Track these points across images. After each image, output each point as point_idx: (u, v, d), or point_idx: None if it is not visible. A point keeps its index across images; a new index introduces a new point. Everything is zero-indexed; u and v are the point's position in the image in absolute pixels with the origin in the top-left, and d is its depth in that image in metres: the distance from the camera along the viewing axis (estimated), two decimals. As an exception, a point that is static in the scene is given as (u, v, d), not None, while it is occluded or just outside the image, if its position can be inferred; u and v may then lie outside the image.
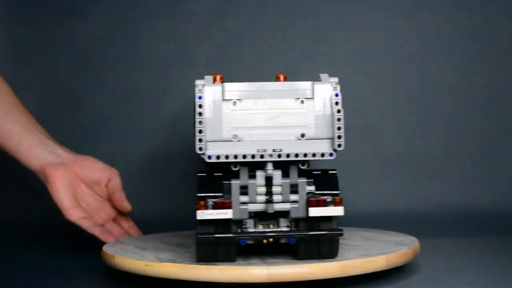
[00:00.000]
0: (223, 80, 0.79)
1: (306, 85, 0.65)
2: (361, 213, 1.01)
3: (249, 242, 0.64)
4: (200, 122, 0.64)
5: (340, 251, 0.67)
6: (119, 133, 1.10)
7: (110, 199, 0.90)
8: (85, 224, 0.84)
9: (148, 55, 1.12)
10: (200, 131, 0.63)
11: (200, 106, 0.64)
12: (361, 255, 0.65)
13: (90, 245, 0.83)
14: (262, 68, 1.08)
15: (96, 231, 0.83)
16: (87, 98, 1.13)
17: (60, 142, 0.91)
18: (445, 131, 1.07)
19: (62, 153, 0.88)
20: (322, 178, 0.66)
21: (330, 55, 1.08)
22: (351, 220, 0.97)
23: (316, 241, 0.63)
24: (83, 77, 1.13)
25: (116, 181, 0.89)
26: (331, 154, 0.64)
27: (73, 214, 0.84)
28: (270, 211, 0.64)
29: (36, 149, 0.87)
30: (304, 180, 0.65)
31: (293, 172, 0.65)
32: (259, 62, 1.09)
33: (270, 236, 0.64)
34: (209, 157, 0.64)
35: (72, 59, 1.14)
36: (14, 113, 0.89)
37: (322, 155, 0.64)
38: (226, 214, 0.62)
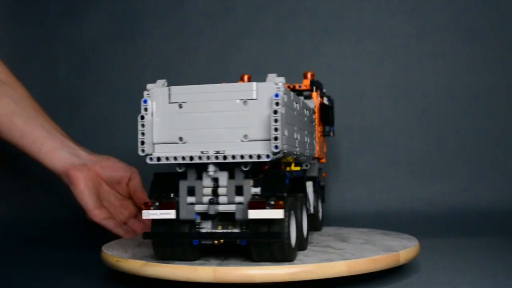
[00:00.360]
0: (250, 80, 0.79)
1: (250, 86, 0.64)
2: (361, 213, 1.01)
3: (204, 242, 0.65)
4: (143, 125, 0.64)
5: (318, 254, 0.67)
6: (119, 133, 1.10)
7: (132, 197, 0.91)
8: (110, 225, 0.85)
9: (148, 55, 1.12)
10: (143, 134, 0.64)
11: (146, 109, 0.64)
12: (326, 260, 0.63)
13: (91, 243, 0.83)
14: (263, 68, 1.08)
15: (120, 232, 0.85)
16: (87, 98, 1.13)
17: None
18: (445, 131, 1.07)
19: (83, 154, 0.89)
20: (271, 179, 0.64)
21: (330, 55, 1.08)
22: (352, 220, 0.98)
23: (266, 244, 0.63)
24: (83, 77, 1.13)
25: (137, 180, 0.90)
26: (267, 156, 0.62)
27: (97, 214, 0.85)
28: (212, 212, 0.63)
29: (58, 151, 0.88)
30: (249, 181, 0.64)
31: (238, 174, 0.64)
32: (259, 62, 1.09)
33: (217, 237, 0.63)
34: (151, 159, 0.64)
35: (72, 59, 1.14)
36: (35, 116, 0.90)
37: (259, 156, 0.62)
38: (169, 214, 0.63)
